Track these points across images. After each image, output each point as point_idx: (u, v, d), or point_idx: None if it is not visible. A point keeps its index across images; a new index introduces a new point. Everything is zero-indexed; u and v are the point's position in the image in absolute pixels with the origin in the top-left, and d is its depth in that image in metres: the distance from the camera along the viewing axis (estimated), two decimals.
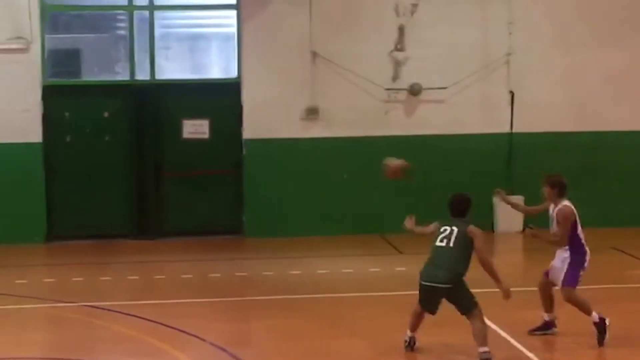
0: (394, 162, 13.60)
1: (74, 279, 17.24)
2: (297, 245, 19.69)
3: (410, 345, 12.08)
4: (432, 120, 20.69)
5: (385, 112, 20.72)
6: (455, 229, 11.76)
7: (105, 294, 16.11)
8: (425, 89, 20.57)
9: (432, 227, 12.11)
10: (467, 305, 11.70)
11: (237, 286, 16.89)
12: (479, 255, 11.62)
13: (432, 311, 11.94)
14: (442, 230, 11.86)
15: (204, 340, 13.28)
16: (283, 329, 13.65)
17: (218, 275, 17.49)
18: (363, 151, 20.36)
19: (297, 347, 12.81)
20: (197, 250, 19.52)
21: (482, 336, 11.62)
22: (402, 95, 20.69)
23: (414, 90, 20.59)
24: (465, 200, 12.15)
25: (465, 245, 11.67)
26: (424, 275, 11.80)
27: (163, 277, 17.43)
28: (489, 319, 12.21)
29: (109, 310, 14.98)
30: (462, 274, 11.66)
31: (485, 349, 11.59)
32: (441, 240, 11.79)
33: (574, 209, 12.43)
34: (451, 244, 11.69)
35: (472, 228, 11.74)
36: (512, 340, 12.63)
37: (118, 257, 19.05)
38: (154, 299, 15.73)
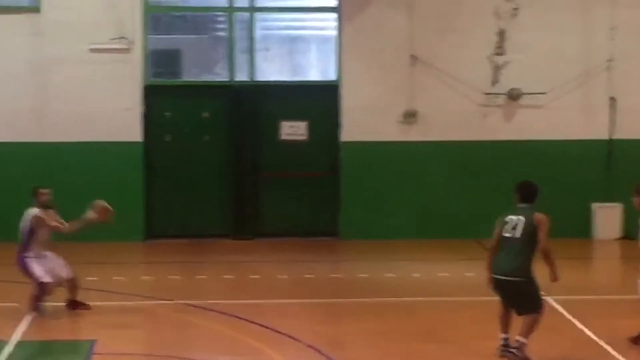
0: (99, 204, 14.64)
1: (171, 277, 17.43)
2: (392, 248, 19.67)
3: (507, 347, 11.97)
4: (530, 125, 20.56)
5: (484, 116, 20.63)
6: (522, 218, 11.63)
7: (201, 292, 16.28)
8: (524, 93, 20.45)
9: (498, 221, 11.96)
10: (533, 304, 11.62)
11: (331, 288, 16.92)
12: (542, 244, 11.49)
13: (511, 306, 11.78)
14: (507, 220, 11.75)
15: (298, 341, 13.32)
16: (377, 332, 13.64)
17: (313, 276, 17.55)
18: (460, 155, 20.36)
19: (391, 351, 12.80)
20: (293, 251, 19.61)
21: (530, 330, 11.52)
22: (501, 100, 20.59)
23: (513, 95, 20.49)
24: (533, 186, 11.98)
25: (531, 235, 11.54)
26: (494, 268, 11.75)
27: (258, 277, 17.54)
28: (587, 327, 12.10)
29: (204, 308, 15.12)
30: (530, 265, 11.56)
31: (525, 340, 11.50)
32: (508, 231, 11.70)
33: None
34: (518, 234, 11.60)
35: (538, 215, 11.61)
36: (610, 349, 12.48)
37: (214, 257, 19.21)
38: (249, 299, 15.82)
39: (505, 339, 11.93)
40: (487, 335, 12.47)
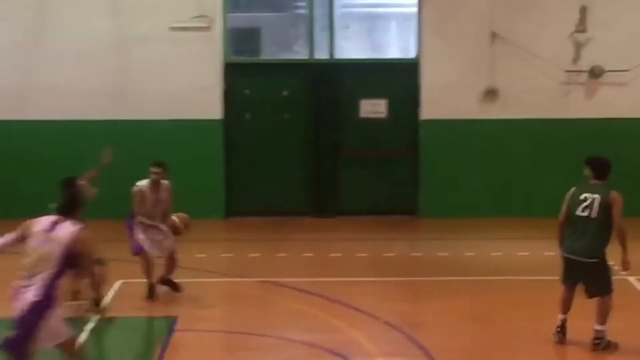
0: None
1: (251, 254, 17.58)
2: (472, 227, 19.64)
3: (562, 331, 11.92)
4: (613, 103, 20.38)
5: (565, 94, 20.49)
6: (597, 196, 11.46)
7: (281, 270, 16.40)
8: (606, 71, 20.26)
9: (567, 197, 11.82)
10: (604, 286, 11.54)
11: (410, 266, 16.96)
12: (616, 223, 11.36)
13: (583, 287, 11.69)
14: (582, 198, 11.58)
15: (377, 318, 13.40)
16: (457, 311, 13.69)
17: (392, 254, 17.60)
18: (541, 133, 20.27)
19: (470, 330, 12.84)
20: (373, 229, 19.66)
21: (605, 315, 11.47)
22: (583, 78, 20.43)
23: (595, 73, 20.32)
24: (607, 162, 11.80)
25: (607, 214, 11.40)
26: (567, 248, 11.65)
27: (338, 255, 17.62)
28: None
29: (284, 286, 15.25)
30: (606, 247, 11.48)
31: (604, 328, 11.46)
32: (583, 210, 11.54)
33: None
34: (594, 215, 11.45)
35: (614, 194, 11.45)
36: None
37: (294, 235, 19.35)
38: (328, 277, 15.92)
39: (564, 320, 11.87)
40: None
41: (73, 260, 9.70)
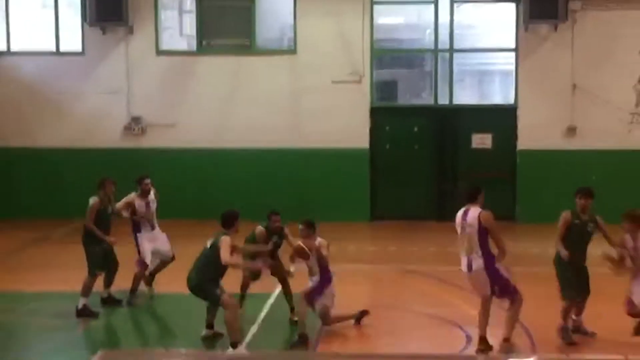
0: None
1: (390, 248, 17.67)
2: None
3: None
4: None
5: (629, 130, 20.12)
6: None
7: (413, 260, 16.47)
8: None
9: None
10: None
11: (510, 259, 16.56)
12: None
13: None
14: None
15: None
16: (545, 296, 13.40)
17: (495, 250, 17.44)
18: (609, 161, 19.93)
19: (545, 308, 12.66)
20: None
21: None
22: None
23: None
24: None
25: None
26: None
27: (455, 249, 17.56)
28: None
29: (414, 272, 15.33)
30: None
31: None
32: None
33: None
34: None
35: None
36: None
37: (422, 234, 19.33)
38: (448, 266, 15.86)
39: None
40: None
41: None
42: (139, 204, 13.38)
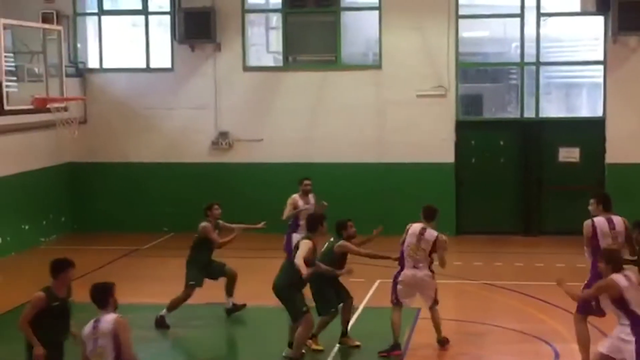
0: None
1: (475, 263, 17.60)
2: None
3: None
4: None
5: None
6: None
7: (498, 275, 16.38)
8: None
9: None
10: None
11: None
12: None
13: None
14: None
15: (572, 313, 13.21)
16: None
17: (583, 265, 17.02)
18: None
19: None
20: (569, 245, 19.10)
21: None
22: None
23: None
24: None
25: None
26: None
27: (542, 265, 17.46)
28: None
29: (500, 287, 15.26)
30: None
31: None
32: None
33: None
34: None
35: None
36: None
37: (508, 248, 19.19)
38: (534, 281, 15.82)
39: None
40: None
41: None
42: (301, 204, 14.77)
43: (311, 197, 15.01)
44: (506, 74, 21.21)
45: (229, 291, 13.48)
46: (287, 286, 11.03)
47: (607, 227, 10.94)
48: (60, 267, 9.09)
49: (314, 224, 11.28)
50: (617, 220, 10.97)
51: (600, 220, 11.03)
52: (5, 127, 17.86)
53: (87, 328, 8.03)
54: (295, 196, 14.84)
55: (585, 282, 10.83)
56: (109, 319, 7.97)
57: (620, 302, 8.92)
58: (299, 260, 10.79)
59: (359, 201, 19.90)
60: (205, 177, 20.74)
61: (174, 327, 12.92)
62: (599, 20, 19.99)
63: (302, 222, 13.64)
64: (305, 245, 10.90)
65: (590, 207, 11.42)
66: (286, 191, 20.45)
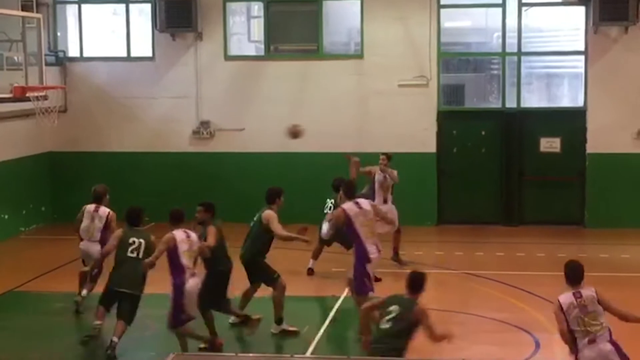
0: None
1: (456, 253, 17.63)
2: (630, 236, 19.03)
3: None
4: None
5: None
6: None
7: (479, 265, 16.41)
8: None
9: None
10: None
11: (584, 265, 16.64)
12: None
13: None
14: None
15: (553, 302, 13.18)
16: (622, 300, 13.33)
17: (564, 255, 17.18)
18: None
19: None
20: (548, 235, 19.38)
21: None
22: None
23: None
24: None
25: None
26: None
27: (522, 254, 17.51)
28: None
29: (481, 277, 15.28)
30: None
31: None
32: None
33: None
34: None
35: None
36: None
37: (489, 238, 19.21)
38: (515, 271, 15.87)
39: None
40: None
41: None
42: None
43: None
44: (488, 64, 21.20)
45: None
46: (257, 256, 12.01)
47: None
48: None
49: (274, 196, 12.10)
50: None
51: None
52: None
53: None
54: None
55: None
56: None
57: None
58: (279, 231, 11.77)
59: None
60: (186, 167, 20.64)
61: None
62: (580, 10, 20.00)
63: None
64: (272, 217, 11.83)
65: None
66: (267, 181, 20.44)
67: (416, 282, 9.19)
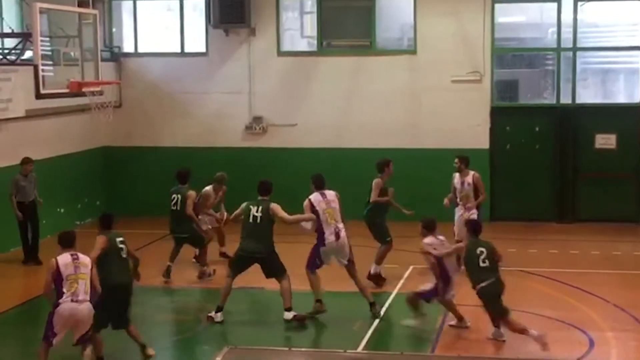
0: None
1: (510, 249, 17.36)
2: None
3: None
4: None
5: None
6: None
7: (532, 262, 16.28)
8: None
9: None
10: None
11: (633, 263, 16.51)
12: None
13: None
14: None
15: (608, 301, 13.18)
16: None
17: (619, 253, 17.20)
18: None
19: None
20: (603, 233, 19.16)
21: None
22: None
23: None
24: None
25: None
26: None
27: (577, 252, 17.35)
28: None
29: (534, 274, 15.16)
30: None
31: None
32: None
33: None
34: None
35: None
36: None
37: (543, 236, 19.06)
38: (569, 268, 15.74)
39: None
40: None
41: None
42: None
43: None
44: (542, 60, 20.98)
45: None
46: (272, 251, 12.61)
47: None
48: None
49: (269, 189, 13.01)
50: None
51: None
52: (41, 111, 17.99)
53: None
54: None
55: None
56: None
57: None
58: (289, 218, 12.65)
59: (392, 187, 19.78)
60: (239, 162, 20.74)
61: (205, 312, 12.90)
62: (637, 5, 19.77)
63: None
64: (277, 207, 12.69)
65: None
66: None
67: (477, 227, 12.02)
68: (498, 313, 11.48)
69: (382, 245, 14.65)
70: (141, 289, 13.95)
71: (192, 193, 14.95)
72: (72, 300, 9.84)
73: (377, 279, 14.43)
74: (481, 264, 11.46)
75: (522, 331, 11.23)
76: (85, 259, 10.15)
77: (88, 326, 10.05)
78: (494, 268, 11.52)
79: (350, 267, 12.91)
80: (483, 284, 11.38)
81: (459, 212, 15.41)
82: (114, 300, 10.62)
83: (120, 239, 10.91)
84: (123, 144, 21.52)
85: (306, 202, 12.88)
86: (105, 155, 21.51)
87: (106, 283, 10.45)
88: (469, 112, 20.19)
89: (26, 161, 16.49)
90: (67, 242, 10.25)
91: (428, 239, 11.97)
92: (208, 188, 15.99)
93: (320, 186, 13.17)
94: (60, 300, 9.84)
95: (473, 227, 12.04)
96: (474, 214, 15.12)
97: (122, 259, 10.84)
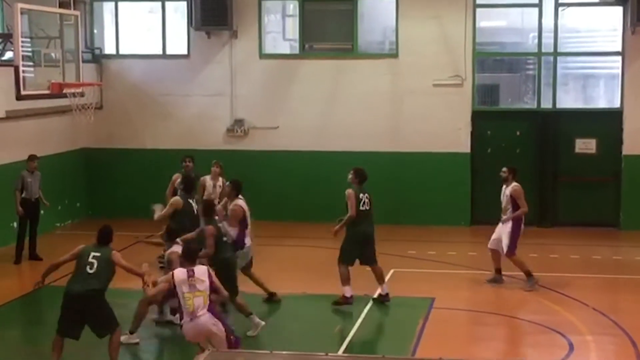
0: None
1: (490, 254, 17.49)
2: None
3: None
4: None
5: None
6: None
7: (512, 266, 16.16)
8: None
9: None
10: None
11: (613, 267, 16.61)
12: None
13: None
14: None
15: (587, 305, 13.24)
16: None
17: (599, 257, 17.26)
18: None
19: None
20: (583, 237, 19.24)
21: None
22: None
23: None
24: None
25: None
26: None
27: (557, 256, 17.41)
28: None
29: (514, 278, 15.19)
30: None
31: None
32: None
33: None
34: None
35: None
36: None
37: (523, 239, 18.41)
38: (549, 272, 15.76)
39: None
40: None
41: None
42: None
43: None
44: (523, 64, 21.07)
45: None
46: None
47: None
48: None
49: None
50: None
51: None
52: (22, 112, 17.89)
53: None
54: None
55: None
56: None
57: None
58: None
59: (373, 190, 19.64)
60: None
61: None
62: (618, 10, 19.84)
63: None
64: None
65: None
66: (301, 179, 20.63)
67: None
68: None
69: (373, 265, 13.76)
70: (123, 292, 13.93)
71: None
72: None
73: (386, 297, 13.70)
74: None
75: None
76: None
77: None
78: None
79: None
80: None
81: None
82: (67, 308, 10.43)
83: (97, 254, 10.43)
84: (104, 145, 21.45)
85: (236, 209, 12.88)
86: (86, 157, 21.43)
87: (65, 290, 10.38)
88: (450, 115, 20.24)
89: (31, 158, 16.88)
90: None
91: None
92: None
93: (238, 192, 13.21)
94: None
95: None
96: (507, 227, 14.75)
97: (88, 273, 10.36)
